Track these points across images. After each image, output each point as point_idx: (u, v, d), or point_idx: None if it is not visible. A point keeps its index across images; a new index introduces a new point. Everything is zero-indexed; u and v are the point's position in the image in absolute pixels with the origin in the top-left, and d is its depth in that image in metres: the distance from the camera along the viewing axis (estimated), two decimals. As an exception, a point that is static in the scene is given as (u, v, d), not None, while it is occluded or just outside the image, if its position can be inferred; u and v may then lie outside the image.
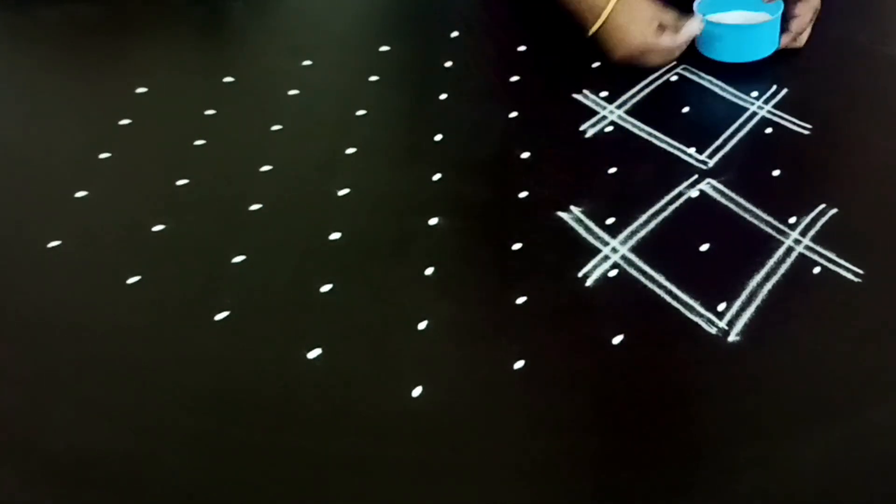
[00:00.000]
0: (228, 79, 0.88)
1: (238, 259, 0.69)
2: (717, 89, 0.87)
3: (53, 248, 0.70)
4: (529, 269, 0.69)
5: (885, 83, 0.90)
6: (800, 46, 0.92)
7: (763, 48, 0.89)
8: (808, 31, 0.90)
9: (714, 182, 0.77)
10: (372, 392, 0.60)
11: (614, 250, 0.71)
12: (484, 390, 0.61)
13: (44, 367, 0.61)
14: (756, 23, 0.89)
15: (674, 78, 0.89)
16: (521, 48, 0.93)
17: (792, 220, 0.73)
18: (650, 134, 0.82)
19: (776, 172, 0.78)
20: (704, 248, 0.71)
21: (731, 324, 0.65)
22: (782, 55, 0.91)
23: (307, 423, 0.58)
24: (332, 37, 0.94)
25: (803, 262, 0.70)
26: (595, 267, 0.69)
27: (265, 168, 0.78)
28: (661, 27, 0.77)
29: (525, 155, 0.80)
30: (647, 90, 0.87)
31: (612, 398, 0.60)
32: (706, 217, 0.74)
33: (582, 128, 0.83)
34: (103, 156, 0.79)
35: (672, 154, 0.80)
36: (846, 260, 0.70)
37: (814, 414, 0.59)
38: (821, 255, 0.70)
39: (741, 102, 0.86)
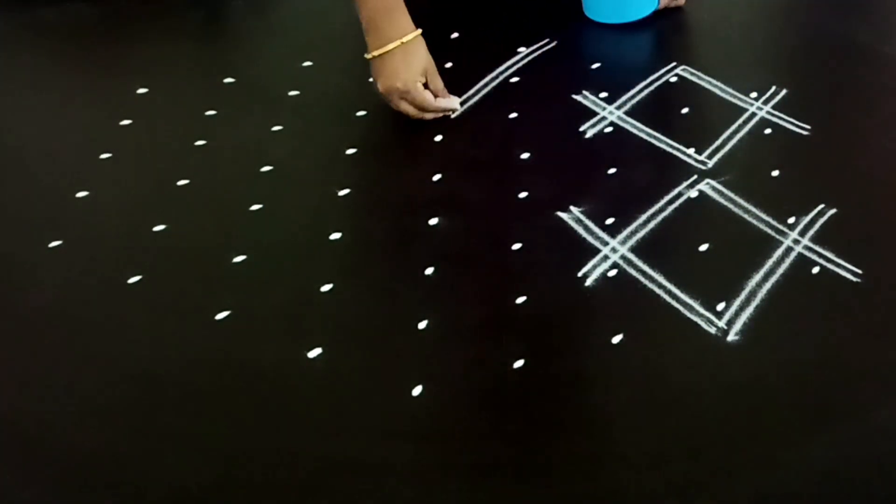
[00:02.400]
0: (228, 79, 0.88)
1: (238, 259, 0.69)
2: (716, 90, 0.87)
3: (54, 248, 0.70)
4: (529, 269, 0.69)
5: (885, 83, 0.90)
6: (681, 4, 0.98)
7: (642, 7, 0.94)
8: None
9: (713, 182, 0.77)
10: (372, 392, 0.60)
11: (614, 250, 0.71)
12: (484, 390, 0.61)
13: (44, 367, 0.61)
14: None
15: (673, 79, 0.89)
16: (521, 49, 0.93)
17: (791, 220, 0.73)
18: (650, 134, 0.82)
19: (775, 173, 0.78)
20: (704, 248, 0.71)
21: (730, 323, 0.65)
22: (782, 55, 0.91)
23: (307, 423, 0.58)
24: (332, 37, 0.94)
25: (802, 262, 0.70)
26: (595, 267, 0.69)
27: (265, 168, 0.78)
28: (424, 84, 0.82)
29: (525, 155, 0.80)
30: (646, 91, 0.87)
31: (611, 398, 0.61)
32: (705, 217, 0.74)
33: (582, 128, 0.83)
34: (104, 156, 0.79)
35: (671, 154, 0.80)
36: (845, 260, 0.70)
37: (813, 413, 0.59)
38: (820, 255, 0.70)
39: (740, 103, 0.86)
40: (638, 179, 0.78)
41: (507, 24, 0.98)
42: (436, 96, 0.83)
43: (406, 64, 0.79)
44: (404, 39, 0.79)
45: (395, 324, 0.65)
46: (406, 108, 0.81)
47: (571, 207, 0.74)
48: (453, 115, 0.84)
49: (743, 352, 0.63)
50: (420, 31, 0.80)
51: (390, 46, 0.78)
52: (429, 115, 0.83)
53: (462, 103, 0.86)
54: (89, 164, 0.78)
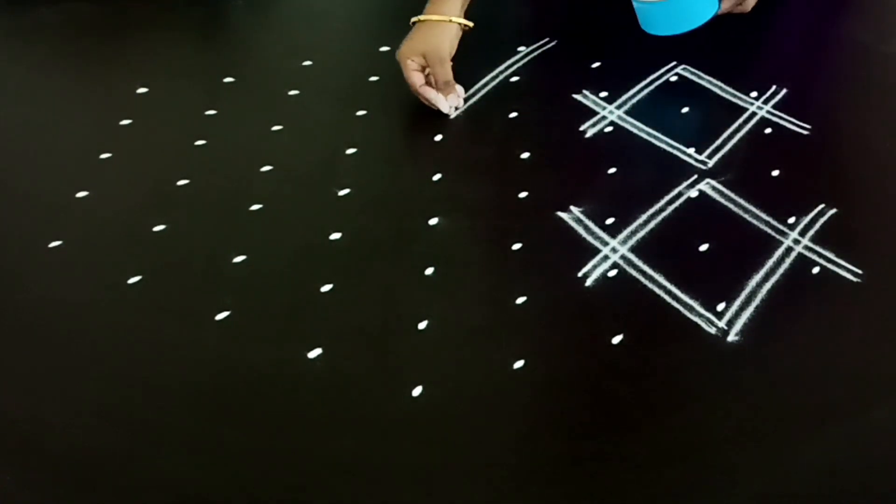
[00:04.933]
0: (228, 79, 0.88)
1: (238, 259, 0.69)
2: (716, 89, 0.87)
3: (54, 248, 0.70)
4: (529, 269, 0.69)
5: (885, 83, 0.90)
6: (746, 11, 0.92)
7: (700, 15, 0.87)
8: None
9: (713, 182, 0.77)
10: (372, 392, 0.60)
11: (614, 250, 0.71)
12: (484, 390, 0.61)
13: (44, 367, 0.61)
14: None
15: (673, 78, 0.89)
16: (521, 49, 0.93)
17: (791, 220, 0.73)
18: (650, 134, 0.82)
19: (775, 172, 0.78)
20: (704, 248, 0.71)
21: (730, 323, 0.65)
22: (782, 55, 0.91)
23: (307, 423, 0.58)
24: (332, 37, 0.95)
25: (802, 262, 0.70)
26: (595, 267, 0.69)
27: (265, 168, 0.78)
28: (424, 70, 0.83)
29: (525, 155, 0.80)
30: (646, 90, 0.87)
31: (611, 398, 0.61)
32: (706, 217, 0.74)
33: (582, 128, 0.83)
34: (104, 156, 0.79)
35: (672, 154, 0.80)
36: (845, 260, 0.70)
37: (813, 414, 0.59)
38: (820, 255, 0.70)
39: (741, 102, 0.86)
40: (638, 179, 0.78)
41: (507, 24, 0.98)
42: (439, 88, 0.83)
43: (414, 39, 0.83)
44: (421, 18, 0.83)
45: (395, 324, 0.65)
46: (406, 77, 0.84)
47: (571, 207, 0.74)
48: (450, 115, 0.84)
49: (743, 352, 0.63)
50: (448, 19, 0.82)
51: (414, 18, 0.83)
52: (427, 100, 0.84)
53: (463, 103, 0.86)
54: (89, 164, 0.78)
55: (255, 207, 0.74)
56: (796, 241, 0.71)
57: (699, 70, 0.90)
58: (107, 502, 0.54)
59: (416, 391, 0.60)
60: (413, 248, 0.71)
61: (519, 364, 0.62)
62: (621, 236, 0.72)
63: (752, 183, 0.77)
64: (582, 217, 0.73)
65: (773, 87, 0.87)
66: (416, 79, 0.83)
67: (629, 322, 0.65)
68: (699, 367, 0.63)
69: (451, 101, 0.84)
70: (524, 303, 0.66)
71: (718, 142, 0.81)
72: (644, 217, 0.74)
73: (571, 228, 0.73)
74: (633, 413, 0.59)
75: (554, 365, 0.63)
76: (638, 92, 0.87)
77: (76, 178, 0.76)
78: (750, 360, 0.63)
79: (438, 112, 0.84)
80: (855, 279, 0.68)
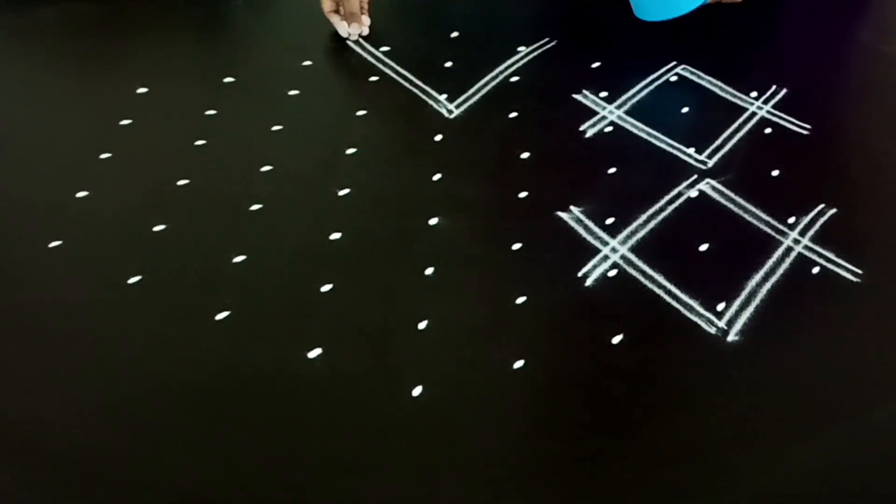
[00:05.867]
0: (228, 79, 0.88)
1: (238, 259, 0.69)
2: (716, 89, 0.88)
3: (54, 248, 0.70)
4: (529, 269, 0.69)
5: (885, 83, 0.90)
6: (738, 1, 0.94)
7: (686, 2, 0.88)
8: None
9: (713, 182, 0.77)
10: (372, 392, 0.60)
11: (614, 250, 0.71)
12: (484, 390, 0.61)
13: (44, 367, 0.61)
14: None
15: (673, 78, 0.89)
16: (521, 48, 0.93)
17: (791, 219, 0.73)
18: (650, 134, 0.82)
19: (775, 172, 0.78)
20: (704, 248, 0.71)
21: (730, 323, 0.65)
22: (782, 55, 0.91)
23: (307, 423, 0.58)
24: (332, 37, 0.94)
25: (802, 262, 0.70)
26: (595, 267, 0.69)
27: (265, 168, 0.78)
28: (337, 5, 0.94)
29: (525, 155, 0.80)
30: (646, 90, 0.87)
31: (611, 398, 0.61)
32: (705, 217, 0.74)
33: (582, 128, 0.83)
34: (104, 156, 0.79)
35: (672, 154, 0.80)
36: (845, 260, 0.70)
37: (813, 414, 0.59)
38: (820, 255, 0.70)
39: (741, 102, 0.86)
40: (638, 179, 0.78)
41: (507, 24, 0.98)
42: (345, 17, 0.93)
43: None
44: None
45: (395, 324, 0.65)
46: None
47: (571, 207, 0.74)
48: (350, 40, 0.93)
49: (743, 352, 0.63)
50: None
51: None
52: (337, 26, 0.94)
53: (462, 103, 0.86)
54: (89, 164, 0.78)
55: (255, 207, 0.74)
56: (796, 241, 0.71)
57: (699, 70, 0.90)
58: (107, 502, 0.54)
59: (416, 391, 0.60)
60: (413, 248, 0.71)
61: (519, 364, 0.62)
62: (621, 236, 0.72)
63: (752, 183, 0.77)
64: (582, 217, 0.73)
65: (773, 87, 0.88)
66: (325, 6, 0.94)
67: (629, 322, 0.65)
68: (699, 367, 0.63)
69: (351, 30, 0.93)
70: (524, 303, 0.66)
71: (718, 142, 0.81)
72: (644, 217, 0.74)
73: (571, 228, 0.73)
74: (633, 413, 0.60)
75: (554, 365, 0.63)
76: (638, 92, 0.87)
77: (76, 178, 0.76)
78: (750, 360, 0.63)
79: (438, 112, 0.84)
80: (855, 279, 0.68)
